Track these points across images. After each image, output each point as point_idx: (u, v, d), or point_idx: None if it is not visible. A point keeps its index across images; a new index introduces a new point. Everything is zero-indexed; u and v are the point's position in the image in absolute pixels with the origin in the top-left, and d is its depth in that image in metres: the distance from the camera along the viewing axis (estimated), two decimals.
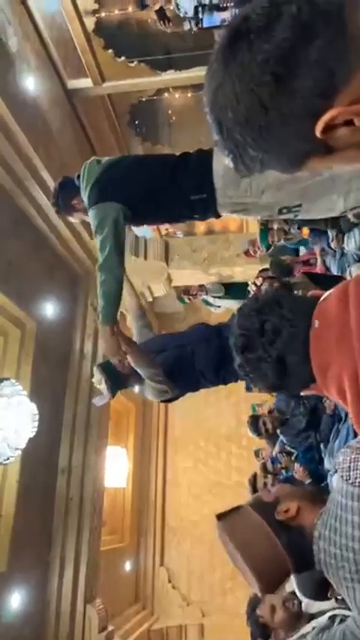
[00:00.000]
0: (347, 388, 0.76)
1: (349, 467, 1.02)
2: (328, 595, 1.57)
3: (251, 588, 1.22)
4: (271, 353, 0.87)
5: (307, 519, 1.17)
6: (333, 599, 1.78)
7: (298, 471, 4.01)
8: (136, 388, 3.06)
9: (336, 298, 0.83)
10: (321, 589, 1.64)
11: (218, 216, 2.41)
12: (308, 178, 2.09)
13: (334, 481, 1.09)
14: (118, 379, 2.85)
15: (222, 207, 2.31)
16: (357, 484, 1.00)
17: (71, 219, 2.81)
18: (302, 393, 0.90)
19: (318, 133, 0.63)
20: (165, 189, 2.39)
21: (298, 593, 1.94)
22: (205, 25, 4.00)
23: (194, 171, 2.31)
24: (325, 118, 0.61)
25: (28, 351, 5.39)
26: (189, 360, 2.84)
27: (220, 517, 1.30)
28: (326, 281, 3.45)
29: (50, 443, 5.59)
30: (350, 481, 1.01)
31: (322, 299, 0.88)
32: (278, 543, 1.14)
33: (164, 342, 3.00)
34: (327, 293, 0.87)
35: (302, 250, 4.90)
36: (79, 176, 2.53)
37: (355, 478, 1.01)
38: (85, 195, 2.49)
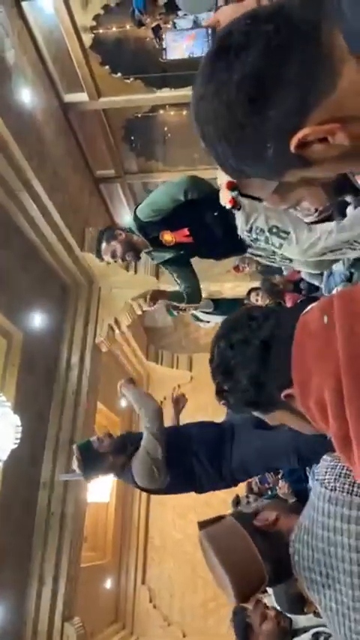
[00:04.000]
0: (328, 401, 0.75)
1: (326, 471, 1.07)
2: (305, 610, 1.57)
3: (227, 598, 1.26)
4: (257, 334, 0.86)
5: (285, 525, 1.21)
6: (311, 614, 1.76)
7: (282, 487, 3.97)
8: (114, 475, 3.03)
9: (319, 311, 0.82)
10: (296, 603, 1.64)
11: None
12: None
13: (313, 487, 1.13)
14: (94, 461, 2.81)
15: None
16: (330, 487, 1.04)
17: (106, 246, 3.07)
18: (283, 394, 0.83)
19: (292, 149, 0.65)
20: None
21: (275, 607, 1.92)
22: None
23: None
24: (298, 136, 0.63)
25: (14, 362, 5.34)
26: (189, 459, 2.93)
27: (202, 525, 1.38)
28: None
29: (33, 456, 5.51)
30: (324, 484, 1.06)
31: (303, 312, 0.87)
32: (255, 549, 1.20)
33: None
34: (309, 307, 0.87)
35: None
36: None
37: (329, 482, 1.05)
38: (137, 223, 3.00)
